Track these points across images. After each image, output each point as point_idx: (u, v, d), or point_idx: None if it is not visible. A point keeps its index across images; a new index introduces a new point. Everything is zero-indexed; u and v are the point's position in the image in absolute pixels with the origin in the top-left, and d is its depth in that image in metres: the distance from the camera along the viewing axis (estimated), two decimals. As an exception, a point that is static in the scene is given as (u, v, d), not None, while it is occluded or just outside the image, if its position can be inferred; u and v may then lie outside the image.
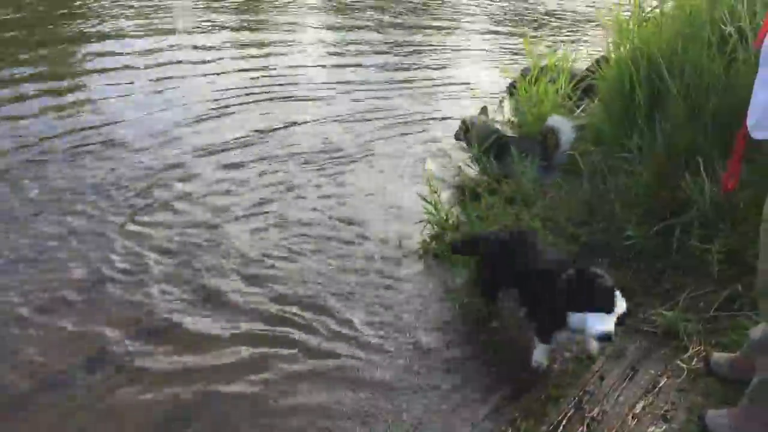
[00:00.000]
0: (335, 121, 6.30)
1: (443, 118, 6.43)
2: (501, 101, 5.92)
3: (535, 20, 10.48)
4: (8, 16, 9.47)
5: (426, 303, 3.74)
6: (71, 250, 4.09)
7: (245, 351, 3.32)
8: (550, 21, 10.42)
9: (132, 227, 4.37)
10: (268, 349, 3.34)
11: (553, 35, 9.49)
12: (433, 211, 4.30)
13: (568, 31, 9.76)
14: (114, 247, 4.13)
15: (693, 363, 3.13)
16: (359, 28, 9.90)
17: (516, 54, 8.77)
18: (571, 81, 5.48)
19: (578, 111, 5.41)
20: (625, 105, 4.43)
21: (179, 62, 7.92)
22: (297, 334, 3.45)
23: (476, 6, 11.47)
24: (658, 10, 4.58)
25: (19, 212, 4.48)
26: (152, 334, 3.42)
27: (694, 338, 3.26)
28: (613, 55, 4.80)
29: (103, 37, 8.72)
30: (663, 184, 3.89)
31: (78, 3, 10.28)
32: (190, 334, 3.42)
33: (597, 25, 9.64)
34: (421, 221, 4.39)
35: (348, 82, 7.53)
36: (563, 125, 4.75)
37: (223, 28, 9.58)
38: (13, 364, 3.18)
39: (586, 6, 11.42)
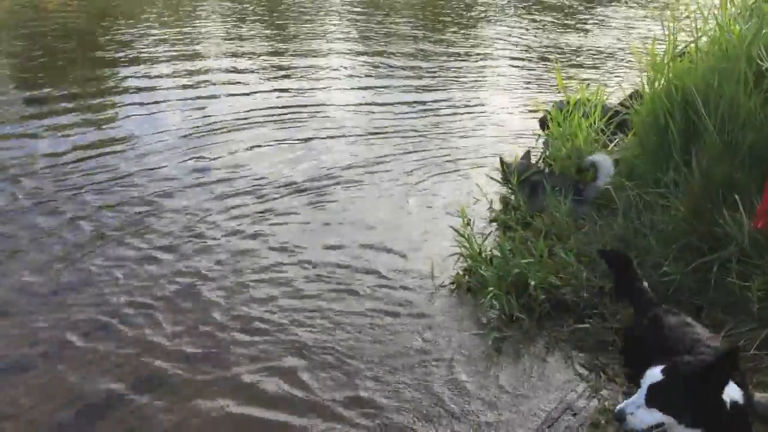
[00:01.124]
0: (369, 158, 6.37)
1: (476, 152, 6.48)
2: (539, 139, 5.94)
3: (564, 54, 10.52)
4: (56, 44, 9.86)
5: (458, 337, 3.73)
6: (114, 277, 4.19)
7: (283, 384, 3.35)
8: (579, 56, 10.45)
9: (165, 256, 4.46)
10: (306, 379, 3.36)
11: (584, 70, 9.51)
12: (466, 244, 4.30)
13: (599, 67, 9.78)
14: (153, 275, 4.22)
15: (733, 403, 3.05)
16: (388, 55, 10.07)
17: (541, 86, 8.80)
18: (604, 115, 5.48)
19: (611, 145, 5.39)
20: (659, 139, 4.41)
21: (211, 83, 8.28)
22: (330, 372, 3.46)
23: (504, 40, 11.57)
24: (692, 46, 4.59)
25: (60, 243, 4.61)
26: (197, 360, 3.48)
27: (735, 377, 3.19)
28: (647, 90, 4.80)
29: (136, 61, 9.06)
30: (700, 220, 3.84)
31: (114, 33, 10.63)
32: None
33: (628, 61, 9.68)
34: (453, 254, 4.40)
35: (374, 112, 7.69)
36: (605, 161, 4.79)
37: (253, 55, 9.82)
38: (65, 386, 3.26)
39: (614, 41, 11.44)
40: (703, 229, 3.83)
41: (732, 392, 2.21)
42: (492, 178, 5.59)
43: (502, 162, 5.42)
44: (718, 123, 3.96)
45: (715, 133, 3.93)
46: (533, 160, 5.50)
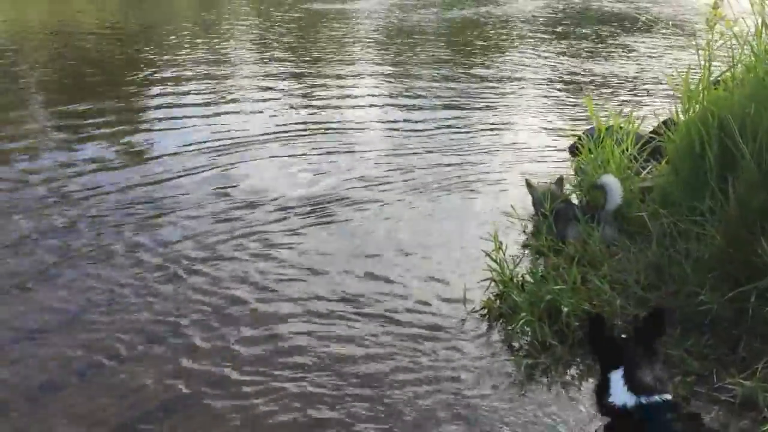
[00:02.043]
0: (397, 179, 6.40)
1: (504, 175, 6.48)
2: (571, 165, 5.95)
3: (593, 82, 10.51)
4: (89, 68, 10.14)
5: (490, 363, 3.71)
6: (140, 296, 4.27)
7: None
8: (608, 84, 10.43)
9: (193, 277, 4.52)
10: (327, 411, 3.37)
11: (612, 97, 9.49)
12: (498, 269, 4.29)
13: (628, 94, 9.75)
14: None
15: (774, 436, 2.99)
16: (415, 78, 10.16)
17: (570, 113, 8.80)
18: (636, 143, 5.45)
19: (644, 172, 5.36)
20: (695, 167, 4.38)
21: (238, 103, 8.58)
22: (359, 399, 3.46)
23: (531, 66, 11.61)
24: (728, 74, 4.57)
25: (88, 262, 4.71)
26: (226, 384, 3.50)
27: (775, 410, 3.12)
28: (681, 118, 4.78)
29: (163, 82, 9.30)
30: (737, 249, 3.80)
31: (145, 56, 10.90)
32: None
33: (658, 89, 9.64)
34: (485, 279, 4.39)
35: (399, 133, 7.77)
36: (614, 183, 4.75)
37: (280, 77, 10.00)
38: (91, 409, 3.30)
39: (643, 69, 11.41)
40: (740, 258, 3.77)
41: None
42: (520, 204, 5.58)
43: (528, 185, 5.37)
44: (755, 151, 3.92)
45: (753, 160, 3.89)
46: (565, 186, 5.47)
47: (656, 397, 2.20)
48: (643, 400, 2.20)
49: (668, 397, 2.23)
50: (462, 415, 3.30)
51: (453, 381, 3.56)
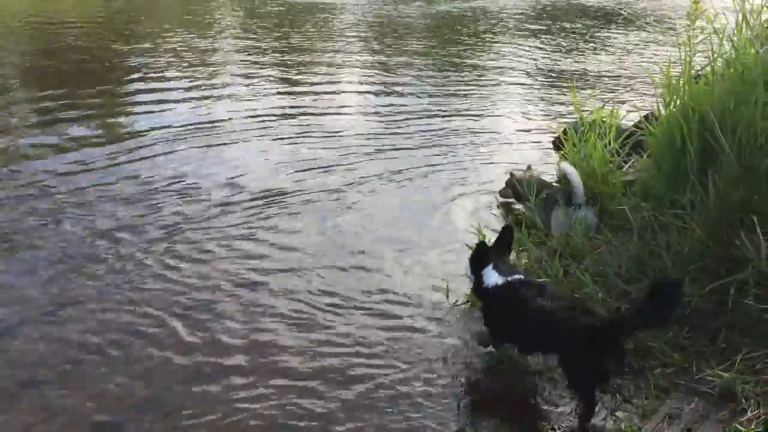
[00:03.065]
0: (382, 175, 6.38)
1: (489, 170, 6.50)
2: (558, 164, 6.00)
3: (577, 76, 10.56)
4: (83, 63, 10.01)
5: (472, 356, 3.73)
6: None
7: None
8: (592, 78, 10.49)
9: (179, 272, 4.49)
10: (303, 401, 3.37)
11: (596, 91, 9.54)
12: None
13: (611, 88, 9.80)
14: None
15: (752, 427, 3.02)
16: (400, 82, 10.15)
17: (554, 107, 8.83)
18: (619, 137, 5.48)
19: (626, 166, 5.40)
20: (676, 161, 4.42)
21: (224, 96, 8.52)
22: (342, 391, 3.46)
23: (517, 61, 11.63)
24: (708, 68, 4.60)
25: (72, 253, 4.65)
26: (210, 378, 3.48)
27: (753, 401, 3.16)
28: (663, 112, 4.81)
29: (148, 83, 9.21)
30: (717, 242, 3.84)
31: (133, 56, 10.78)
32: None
33: (641, 83, 9.70)
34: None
35: (386, 128, 7.74)
36: (573, 171, 4.82)
37: (266, 68, 9.94)
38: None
39: (626, 64, 11.49)
40: (720, 251, 3.82)
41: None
42: (504, 197, 5.62)
43: (512, 177, 5.41)
44: (735, 145, 3.96)
45: (733, 155, 3.93)
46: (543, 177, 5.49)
47: (515, 276, 3.47)
48: (508, 278, 3.46)
49: (521, 276, 3.50)
50: (440, 402, 3.32)
51: (430, 372, 3.58)
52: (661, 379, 3.37)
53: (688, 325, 3.69)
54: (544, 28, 15.29)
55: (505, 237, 3.77)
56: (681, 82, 4.65)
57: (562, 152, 5.79)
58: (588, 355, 3.02)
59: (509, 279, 3.45)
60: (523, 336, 3.41)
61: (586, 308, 3.19)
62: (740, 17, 4.43)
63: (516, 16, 16.95)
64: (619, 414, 3.21)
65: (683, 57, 4.64)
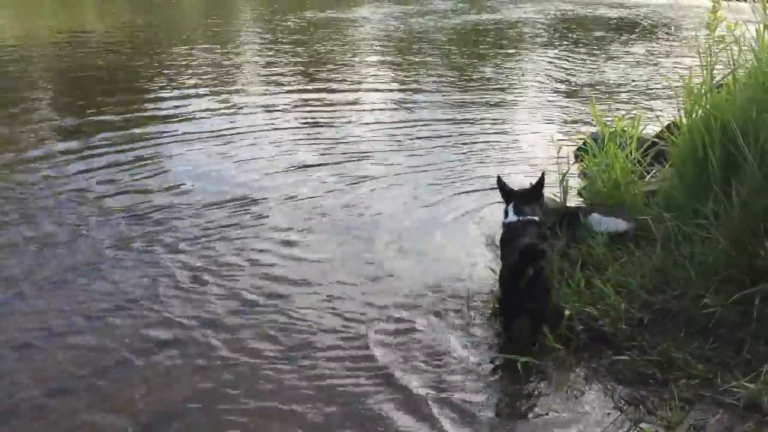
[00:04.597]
0: (395, 184, 6.45)
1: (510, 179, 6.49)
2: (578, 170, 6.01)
3: (597, 87, 10.54)
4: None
5: (489, 363, 3.73)
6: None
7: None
8: (612, 89, 10.46)
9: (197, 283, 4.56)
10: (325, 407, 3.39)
11: (616, 102, 9.51)
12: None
13: (631, 99, 9.77)
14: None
15: (778, 439, 2.99)
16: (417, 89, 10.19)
17: (574, 117, 8.81)
18: (640, 147, 5.46)
19: (648, 177, 5.37)
20: (698, 171, 4.40)
21: (245, 108, 8.72)
22: (360, 406, 3.48)
23: (535, 72, 11.64)
24: (730, 78, 4.58)
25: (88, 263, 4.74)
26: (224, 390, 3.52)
27: (779, 413, 3.12)
28: (684, 122, 4.79)
29: (170, 95, 9.40)
30: (740, 252, 3.81)
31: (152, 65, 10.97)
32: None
33: (661, 93, 9.65)
34: (491, 280, 4.40)
35: (406, 142, 7.80)
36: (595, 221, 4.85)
37: (285, 81, 10.05)
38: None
39: (646, 74, 11.44)
40: (744, 261, 3.79)
41: None
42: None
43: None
44: (757, 154, 3.93)
45: (755, 164, 3.90)
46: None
47: (528, 217, 4.03)
48: (521, 218, 4.05)
49: (536, 218, 4.07)
50: (463, 413, 3.31)
51: (451, 380, 3.57)
52: (685, 390, 3.33)
53: (713, 336, 3.65)
54: (562, 38, 15.29)
55: (539, 181, 4.27)
56: (702, 91, 4.64)
57: (581, 163, 5.78)
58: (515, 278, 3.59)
59: (521, 218, 4.02)
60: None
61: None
62: (761, 26, 4.42)
63: (532, 28, 16.97)
64: (643, 426, 3.17)
65: (704, 66, 4.63)
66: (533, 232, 3.92)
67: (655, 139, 5.50)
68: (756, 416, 3.13)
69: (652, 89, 10.26)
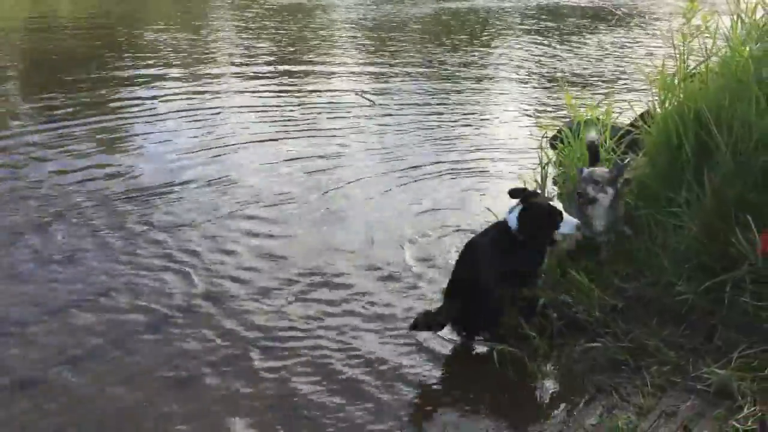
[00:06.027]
0: (366, 177, 6.39)
1: (486, 170, 6.53)
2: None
3: (572, 75, 10.58)
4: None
5: (465, 351, 3.73)
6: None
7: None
8: (586, 77, 10.50)
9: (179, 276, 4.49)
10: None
11: (591, 91, 9.55)
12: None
13: (606, 87, 9.82)
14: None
15: (748, 424, 3.01)
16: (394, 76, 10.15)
17: (549, 106, 8.84)
18: (614, 135, 5.48)
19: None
20: (671, 159, 4.42)
21: (221, 100, 8.63)
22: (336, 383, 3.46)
23: (510, 61, 11.65)
24: (703, 67, 4.61)
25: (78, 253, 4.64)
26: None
27: (749, 398, 3.16)
28: (658, 110, 4.81)
29: (145, 77, 9.37)
30: (713, 239, 3.84)
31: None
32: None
33: (635, 82, 9.71)
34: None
35: (379, 130, 7.80)
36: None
37: (261, 70, 9.95)
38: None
39: (620, 63, 11.50)
40: (715, 249, 3.82)
41: None
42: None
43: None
44: (730, 143, 3.96)
45: (728, 152, 3.94)
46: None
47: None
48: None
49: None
50: (438, 402, 3.33)
51: (424, 369, 3.59)
52: (657, 377, 3.36)
53: (685, 323, 3.69)
54: (537, 27, 15.31)
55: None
56: (676, 80, 4.66)
57: (556, 152, 5.79)
58: None
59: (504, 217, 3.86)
60: None
61: None
62: (734, 16, 4.45)
63: (506, 16, 16.97)
64: (615, 412, 3.20)
65: (678, 55, 4.65)
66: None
67: (629, 128, 5.52)
68: (726, 402, 3.16)
69: (626, 78, 10.31)
